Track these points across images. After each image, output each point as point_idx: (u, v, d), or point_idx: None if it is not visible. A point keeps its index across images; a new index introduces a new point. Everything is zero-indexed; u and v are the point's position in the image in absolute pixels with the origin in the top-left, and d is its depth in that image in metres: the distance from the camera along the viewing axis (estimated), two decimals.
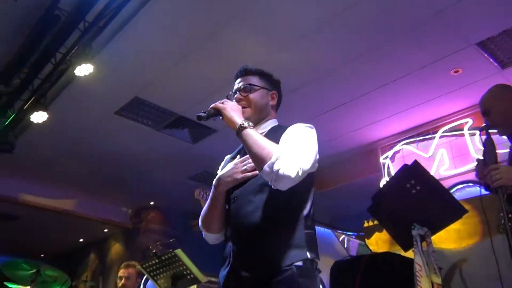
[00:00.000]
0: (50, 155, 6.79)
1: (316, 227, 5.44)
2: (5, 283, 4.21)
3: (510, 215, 2.02)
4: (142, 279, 4.93)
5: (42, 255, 11.56)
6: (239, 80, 1.90)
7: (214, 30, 4.30)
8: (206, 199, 3.74)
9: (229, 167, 1.81)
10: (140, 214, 9.14)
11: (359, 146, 6.32)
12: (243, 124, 1.65)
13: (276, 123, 1.89)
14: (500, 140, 2.49)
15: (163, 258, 3.61)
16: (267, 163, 1.54)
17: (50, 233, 10.00)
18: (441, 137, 5.51)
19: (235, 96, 1.86)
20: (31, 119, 5.11)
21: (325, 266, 5.85)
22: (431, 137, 5.64)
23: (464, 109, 5.33)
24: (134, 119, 5.83)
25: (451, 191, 4.77)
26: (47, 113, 5.12)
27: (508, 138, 2.44)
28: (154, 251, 3.74)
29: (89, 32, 4.08)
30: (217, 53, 4.57)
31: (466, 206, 2.44)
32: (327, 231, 6.31)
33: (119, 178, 7.66)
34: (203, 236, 1.92)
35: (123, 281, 4.35)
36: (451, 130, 5.46)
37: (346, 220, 6.65)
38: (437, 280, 2.29)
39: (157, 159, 6.80)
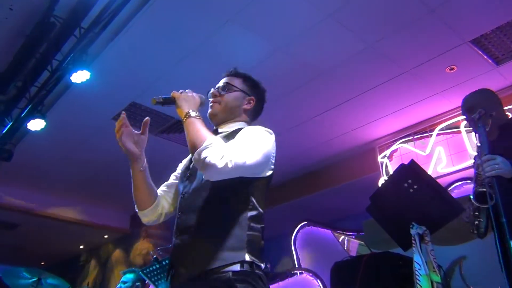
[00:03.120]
0: (49, 162, 6.79)
1: (315, 228, 5.43)
2: None
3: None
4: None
5: (42, 263, 11.54)
6: (224, 78, 1.94)
7: (209, 33, 4.31)
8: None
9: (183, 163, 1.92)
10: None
11: (357, 146, 6.33)
12: (188, 112, 1.64)
13: (244, 126, 1.85)
14: None
15: (164, 263, 3.62)
16: (197, 150, 1.52)
17: (50, 240, 9.98)
18: (438, 134, 5.53)
19: (212, 91, 1.89)
20: (29, 127, 5.10)
21: (325, 267, 5.84)
22: (428, 135, 5.66)
23: (459, 106, 5.33)
24: (131, 124, 5.81)
25: (449, 188, 4.78)
26: (45, 121, 5.11)
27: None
28: (154, 256, 3.74)
29: (85, 38, 4.08)
30: (213, 56, 4.58)
31: (465, 204, 2.46)
32: (326, 231, 6.32)
33: (117, 184, 7.62)
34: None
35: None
36: (448, 127, 5.47)
37: (346, 220, 6.66)
38: (437, 278, 2.30)
39: (154, 164, 6.70)
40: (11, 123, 5.24)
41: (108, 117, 5.64)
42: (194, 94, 1.75)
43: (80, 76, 4.41)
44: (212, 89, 1.90)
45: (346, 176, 6.51)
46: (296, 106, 5.43)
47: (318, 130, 5.95)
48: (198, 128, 1.60)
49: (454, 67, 4.76)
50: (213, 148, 1.51)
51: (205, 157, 1.49)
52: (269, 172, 1.71)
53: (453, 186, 5.06)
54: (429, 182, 2.30)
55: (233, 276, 1.50)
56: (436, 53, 4.56)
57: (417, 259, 2.29)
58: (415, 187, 2.29)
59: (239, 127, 1.82)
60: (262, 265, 1.62)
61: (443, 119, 5.52)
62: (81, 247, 10.69)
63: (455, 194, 4.78)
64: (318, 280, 5.78)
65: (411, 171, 2.30)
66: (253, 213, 1.64)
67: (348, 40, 4.38)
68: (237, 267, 1.52)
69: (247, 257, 1.55)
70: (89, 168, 7.03)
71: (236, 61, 4.67)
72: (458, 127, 5.34)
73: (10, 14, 4.08)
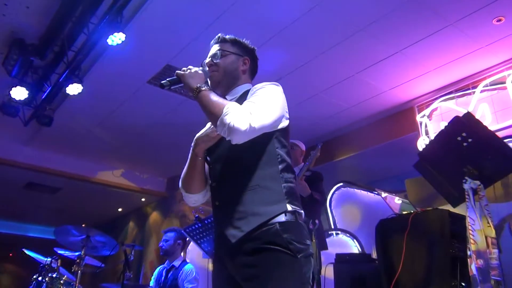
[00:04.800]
0: (86, 127, 6.94)
1: (351, 190, 5.38)
2: (55, 249, 4.40)
3: None
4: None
5: (83, 225, 12.01)
6: (213, 47, 1.99)
7: None
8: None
9: (206, 127, 1.88)
10: (175, 183, 9.33)
11: (395, 105, 6.17)
12: (198, 87, 1.72)
13: (249, 87, 1.90)
14: None
15: (206, 222, 3.67)
16: (219, 118, 1.59)
17: (90, 203, 10.36)
18: (482, 91, 5.30)
19: (207, 61, 1.93)
20: (67, 92, 5.17)
21: (361, 228, 5.82)
22: (471, 92, 5.43)
23: (506, 60, 5.09)
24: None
25: None
26: (82, 85, 5.17)
27: None
28: (196, 215, 3.80)
29: None
30: (249, 14, 4.47)
31: None
32: (363, 193, 6.28)
33: (153, 148, 7.78)
34: (184, 198, 1.98)
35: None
36: (492, 83, 5.24)
37: (385, 180, 6.59)
38: (491, 233, 2.24)
39: (190, 128, 6.77)
40: (50, 88, 5.32)
41: (143, 80, 5.66)
42: (197, 69, 1.82)
43: (115, 39, 4.40)
44: (206, 60, 1.94)
45: (383, 136, 6.38)
46: (332, 65, 5.28)
47: (355, 90, 5.80)
48: (212, 98, 1.68)
49: (502, 18, 4.49)
50: (234, 112, 1.59)
51: (229, 123, 1.56)
52: (286, 122, 1.80)
53: None
54: (487, 135, 2.20)
55: (280, 227, 1.58)
56: (482, 3, 4.30)
57: (471, 214, 2.23)
58: (470, 140, 2.20)
59: (246, 89, 1.88)
60: (303, 212, 1.71)
61: (488, 74, 5.28)
62: (120, 210, 11.05)
63: None
64: (354, 240, 5.79)
65: (466, 124, 2.20)
66: (283, 165, 1.72)
67: None
68: (282, 218, 1.61)
69: (289, 207, 1.64)
70: (126, 133, 7.14)
71: (271, 18, 4.58)
72: (504, 83, 5.10)
73: None
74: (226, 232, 1.66)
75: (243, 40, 2.01)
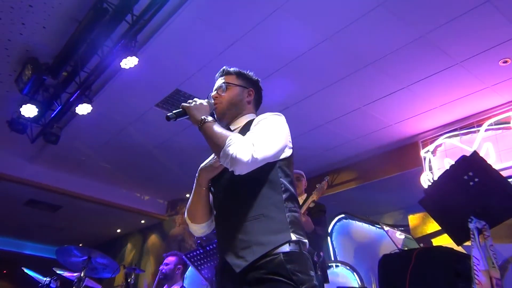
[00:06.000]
0: (92, 146, 6.98)
1: (353, 222, 5.35)
2: (54, 268, 4.37)
3: None
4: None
5: (80, 245, 11.92)
6: (218, 80, 2.02)
7: (256, 22, 4.29)
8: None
9: (210, 158, 1.89)
10: (176, 206, 9.30)
11: (400, 139, 6.22)
12: (203, 119, 1.74)
13: (253, 117, 1.93)
14: None
15: (208, 248, 3.66)
16: (222, 149, 1.61)
17: (89, 223, 10.30)
18: (486, 130, 5.35)
19: (212, 94, 1.97)
20: (77, 111, 5.23)
21: (361, 260, 5.77)
22: (475, 130, 5.48)
23: (511, 101, 5.17)
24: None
25: None
26: (91, 105, 5.24)
27: None
28: (199, 242, 3.79)
29: (136, 25, 4.13)
30: (260, 44, 4.56)
31: None
32: (364, 225, 6.26)
33: (156, 170, 7.79)
34: (189, 228, 1.98)
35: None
36: (497, 123, 5.29)
37: (387, 213, 6.57)
38: (496, 274, 2.23)
39: (193, 151, 6.84)
40: (60, 107, 5.38)
41: (151, 103, 5.72)
42: (202, 101, 1.85)
43: (129, 63, 4.48)
44: (212, 93, 1.98)
45: (387, 169, 6.40)
46: (339, 97, 5.36)
47: (361, 122, 5.86)
48: (216, 130, 1.69)
49: (508, 60, 4.59)
50: (237, 143, 1.60)
51: (232, 154, 1.58)
52: (290, 152, 1.80)
53: None
54: (493, 175, 2.22)
55: (284, 257, 1.57)
56: (490, 45, 4.40)
57: (476, 254, 2.22)
58: (476, 180, 2.22)
59: (250, 119, 1.90)
60: (307, 242, 1.70)
61: (492, 114, 5.34)
62: (118, 230, 10.99)
63: None
64: (354, 273, 5.74)
65: (473, 163, 2.23)
66: (287, 194, 1.72)
67: (398, 30, 4.27)
68: (286, 248, 1.60)
69: (293, 237, 1.63)
70: (129, 154, 7.17)
71: (281, 49, 4.67)
72: (509, 123, 5.16)
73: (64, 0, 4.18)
74: (230, 262, 1.65)
75: (247, 72, 2.05)
